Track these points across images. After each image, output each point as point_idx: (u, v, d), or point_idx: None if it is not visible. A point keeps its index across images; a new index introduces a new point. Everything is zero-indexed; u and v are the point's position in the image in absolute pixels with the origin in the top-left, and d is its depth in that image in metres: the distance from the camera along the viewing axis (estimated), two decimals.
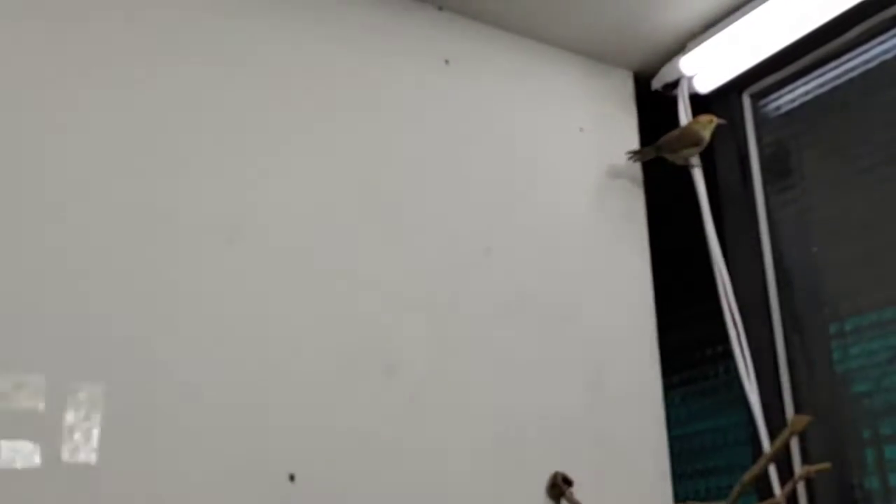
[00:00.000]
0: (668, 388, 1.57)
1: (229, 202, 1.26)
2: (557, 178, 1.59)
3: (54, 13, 1.22)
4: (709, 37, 1.61)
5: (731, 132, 1.66)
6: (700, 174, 1.63)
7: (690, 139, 1.60)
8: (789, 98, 1.64)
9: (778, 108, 1.66)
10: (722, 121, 1.60)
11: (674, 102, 1.68)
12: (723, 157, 1.67)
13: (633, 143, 1.70)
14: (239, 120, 1.31)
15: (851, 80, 1.54)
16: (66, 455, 1.06)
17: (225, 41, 1.34)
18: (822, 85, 1.58)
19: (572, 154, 1.62)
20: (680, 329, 1.66)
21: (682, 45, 1.66)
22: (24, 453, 1.04)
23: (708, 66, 1.66)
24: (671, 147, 1.61)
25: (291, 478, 1.19)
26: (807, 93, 1.61)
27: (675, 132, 1.62)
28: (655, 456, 1.51)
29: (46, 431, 1.06)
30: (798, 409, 1.49)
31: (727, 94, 1.68)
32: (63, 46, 1.21)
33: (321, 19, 1.44)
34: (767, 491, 1.40)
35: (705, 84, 1.68)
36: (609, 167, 1.65)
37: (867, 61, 1.52)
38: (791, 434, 1.11)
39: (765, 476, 1.39)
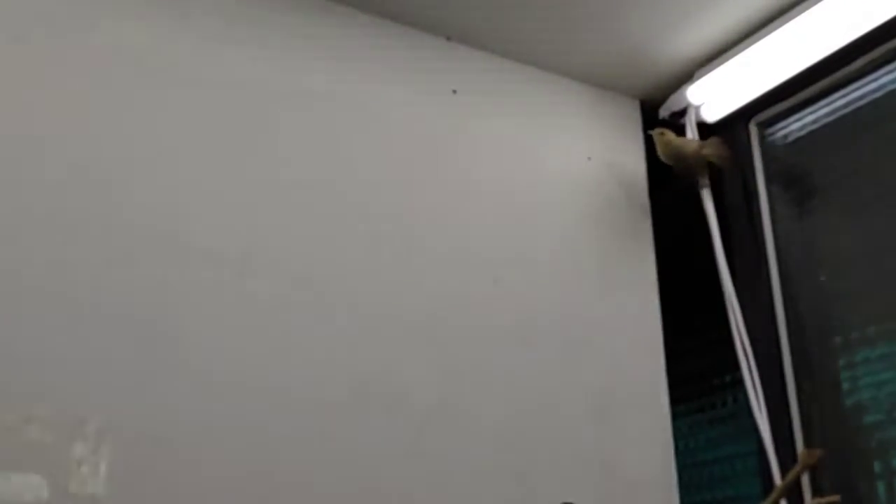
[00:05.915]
0: (677, 417, 1.56)
1: (237, 235, 1.27)
2: (565, 208, 1.59)
3: (56, 38, 1.24)
4: (716, 66, 1.62)
5: (739, 161, 1.66)
6: (710, 202, 1.63)
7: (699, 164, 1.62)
8: (796, 127, 1.64)
9: (785, 136, 1.66)
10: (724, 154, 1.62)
11: (681, 131, 1.69)
12: (730, 185, 1.66)
13: (641, 171, 1.70)
14: (245, 152, 1.32)
15: (858, 110, 1.54)
16: (73, 488, 1.06)
17: (230, 70, 1.35)
18: (829, 114, 1.58)
19: (580, 183, 1.63)
20: (689, 358, 1.65)
21: (690, 74, 1.67)
22: (33, 486, 1.04)
23: (715, 95, 1.66)
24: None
25: None
26: (814, 122, 1.61)
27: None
28: (663, 486, 1.50)
29: (55, 464, 1.06)
30: (808, 439, 1.48)
31: (734, 122, 1.68)
32: (66, 71, 1.22)
33: (328, 48, 1.45)
34: None
35: (712, 113, 1.69)
36: (617, 196, 1.65)
37: (874, 90, 1.51)
38: (802, 470, 1.11)
39: None
